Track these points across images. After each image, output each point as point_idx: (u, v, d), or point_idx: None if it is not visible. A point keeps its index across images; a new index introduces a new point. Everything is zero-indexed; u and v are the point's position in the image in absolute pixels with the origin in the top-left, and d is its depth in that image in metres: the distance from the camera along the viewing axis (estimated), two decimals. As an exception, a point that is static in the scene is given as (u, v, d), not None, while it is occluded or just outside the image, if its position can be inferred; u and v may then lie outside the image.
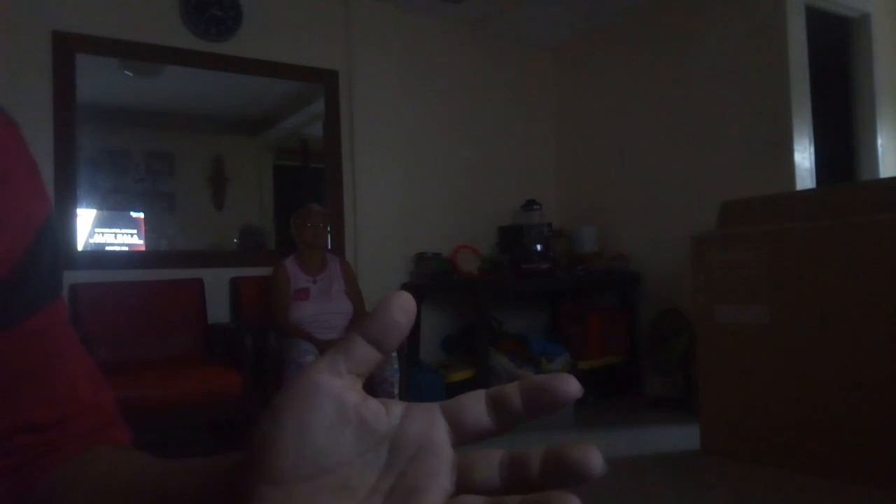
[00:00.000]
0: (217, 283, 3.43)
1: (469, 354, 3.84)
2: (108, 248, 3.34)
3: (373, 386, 2.83)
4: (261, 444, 0.25)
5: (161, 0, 3.38)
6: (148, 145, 3.62)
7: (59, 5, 3.11)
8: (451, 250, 4.12)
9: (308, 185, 4.13)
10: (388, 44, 4.04)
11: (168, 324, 3.19)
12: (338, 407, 0.25)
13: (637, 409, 3.84)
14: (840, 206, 2.62)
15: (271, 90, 3.86)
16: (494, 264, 4.04)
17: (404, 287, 3.93)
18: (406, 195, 4.09)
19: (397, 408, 0.27)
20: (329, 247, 3.60)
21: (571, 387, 0.25)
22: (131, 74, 3.51)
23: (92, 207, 3.29)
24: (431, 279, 3.93)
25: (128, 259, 3.37)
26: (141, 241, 3.46)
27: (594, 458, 0.24)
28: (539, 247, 4.04)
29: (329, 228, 3.57)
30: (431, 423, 0.26)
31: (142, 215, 3.51)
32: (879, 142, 3.95)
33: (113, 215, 3.39)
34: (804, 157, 3.44)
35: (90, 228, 3.28)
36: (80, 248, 3.20)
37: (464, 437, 0.26)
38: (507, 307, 4.30)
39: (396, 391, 3.00)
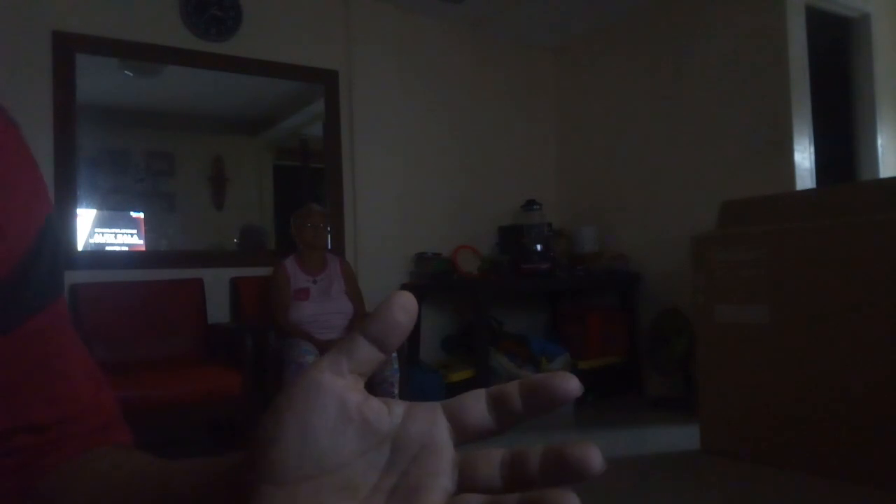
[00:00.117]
0: (217, 283, 3.43)
1: (469, 354, 3.84)
2: (108, 248, 3.34)
3: (373, 386, 2.83)
4: (263, 444, 0.25)
5: (161, 0, 3.38)
6: (148, 145, 3.62)
7: (59, 5, 3.12)
8: (451, 250, 4.12)
9: (308, 185, 4.13)
10: (388, 44, 4.04)
11: (168, 324, 3.19)
12: (340, 407, 0.25)
13: (637, 409, 3.84)
14: (840, 206, 2.62)
15: (271, 90, 3.86)
16: (494, 264, 4.04)
17: (404, 287, 3.93)
18: (406, 195, 4.09)
19: (399, 407, 0.27)
20: (329, 247, 3.60)
21: (571, 385, 0.25)
22: (131, 74, 3.51)
23: (92, 207, 3.29)
24: (431, 279, 3.93)
25: (128, 259, 3.37)
26: (141, 241, 3.46)
27: (594, 456, 0.24)
28: (539, 247, 4.04)
29: (329, 228, 3.57)
30: (433, 423, 0.26)
31: (142, 215, 3.51)
32: (879, 142, 3.95)
33: (113, 215, 3.39)
34: (804, 157, 3.44)
35: (90, 228, 3.28)
36: (80, 248, 3.20)
37: (465, 437, 0.26)
38: (507, 307, 4.30)
39: (396, 391, 3.00)
